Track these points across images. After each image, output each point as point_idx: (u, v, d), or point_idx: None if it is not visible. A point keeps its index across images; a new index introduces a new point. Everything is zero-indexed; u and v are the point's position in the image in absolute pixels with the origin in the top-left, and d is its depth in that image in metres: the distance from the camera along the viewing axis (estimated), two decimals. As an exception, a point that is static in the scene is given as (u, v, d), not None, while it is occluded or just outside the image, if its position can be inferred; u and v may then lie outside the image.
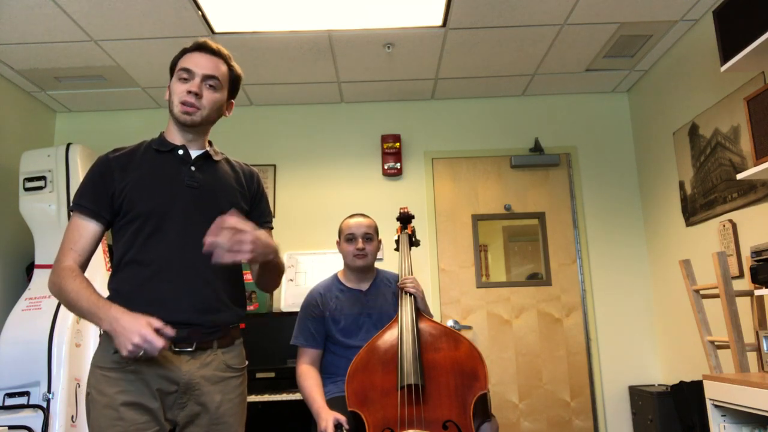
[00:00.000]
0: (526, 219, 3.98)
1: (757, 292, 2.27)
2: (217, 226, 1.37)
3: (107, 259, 3.11)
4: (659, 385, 3.57)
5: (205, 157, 1.66)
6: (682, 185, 3.35)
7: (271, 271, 1.64)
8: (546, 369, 3.75)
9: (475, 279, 3.86)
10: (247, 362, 1.68)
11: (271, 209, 1.85)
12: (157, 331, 1.36)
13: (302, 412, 2.34)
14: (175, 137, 1.65)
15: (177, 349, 1.50)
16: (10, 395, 2.78)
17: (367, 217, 2.50)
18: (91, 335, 3.02)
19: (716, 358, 2.45)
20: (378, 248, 2.48)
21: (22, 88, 3.69)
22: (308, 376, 2.26)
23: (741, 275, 2.78)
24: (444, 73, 3.69)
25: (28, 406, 2.76)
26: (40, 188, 3.20)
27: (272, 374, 3.19)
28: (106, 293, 1.54)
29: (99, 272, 2.95)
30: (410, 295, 2.25)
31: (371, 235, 2.43)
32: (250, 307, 3.59)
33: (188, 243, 1.55)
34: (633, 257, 3.85)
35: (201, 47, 1.63)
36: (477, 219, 3.95)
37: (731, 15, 2.38)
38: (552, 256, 3.89)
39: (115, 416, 1.43)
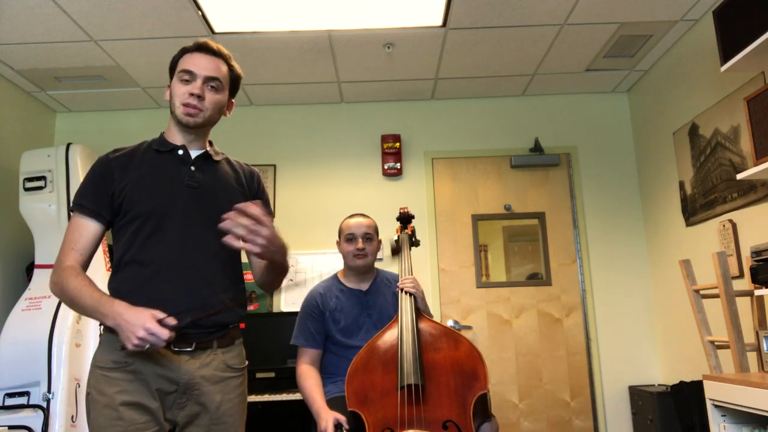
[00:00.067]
0: (526, 219, 3.98)
1: (757, 292, 2.27)
2: (240, 210, 1.36)
3: (107, 259, 3.11)
4: (659, 385, 3.57)
5: (205, 157, 1.66)
6: (682, 185, 3.35)
7: (275, 271, 1.63)
8: (546, 369, 3.75)
9: (475, 279, 3.86)
10: (247, 362, 1.68)
11: (272, 209, 1.84)
12: (161, 322, 1.35)
13: (302, 412, 2.34)
14: (176, 137, 1.65)
15: (176, 349, 1.50)
16: (10, 395, 2.78)
17: (367, 217, 2.51)
18: (91, 335, 3.02)
19: (716, 358, 2.45)
20: (378, 248, 2.48)
21: (22, 88, 3.69)
22: (308, 376, 2.26)
23: (741, 275, 2.78)
24: (444, 73, 3.69)
25: (28, 406, 2.76)
26: (40, 188, 3.20)
27: (272, 374, 3.19)
28: (106, 293, 1.54)
29: (99, 272, 2.95)
30: (410, 295, 2.25)
31: (371, 235, 2.43)
32: (250, 307, 3.59)
33: (188, 243, 1.55)
34: (633, 257, 3.85)
35: (201, 48, 1.62)
36: (477, 219, 3.95)
37: (731, 15, 2.38)
38: (552, 256, 3.89)
39: (114, 416, 1.43)
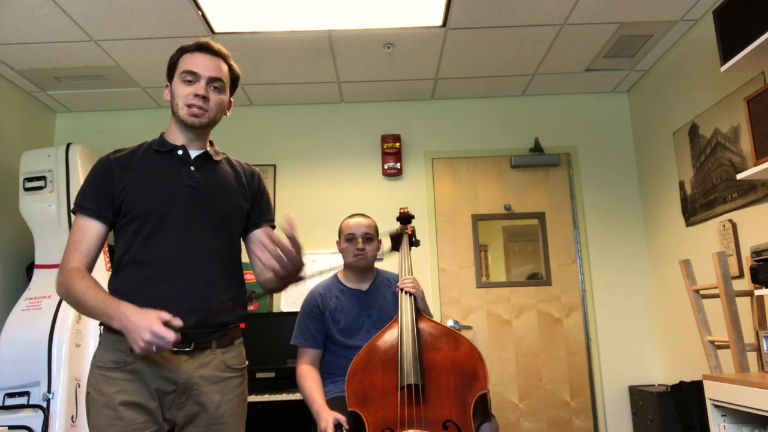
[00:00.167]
0: (526, 219, 3.98)
1: (757, 292, 2.27)
2: (290, 226, 1.40)
3: (107, 259, 3.11)
4: (659, 385, 3.57)
5: (205, 157, 1.66)
6: (682, 185, 3.35)
7: (284, 285, 1.63)
8: (546, 369, 3.75)
9: (475, 279, 3.86)
10: (247, 362, 1.68)
11: (273, 209, 1.84)
12: (167, 324, 1.35)
13: (302, 412, 2.34)
14: (176, 137, 1.65)
15: (175, 349, 1.49)
16: (10, 395, 2.78)
17: (367, 217, 2.51)
18: (91, 335, 3.02)
19: (716, 358, 2.45)
20: (378, 248, 2.48)
21: (22, 88, 3.69)
22: (308, 376, 2.26)
23: (741, 275, 2.78)
24: (444, 73, 3.69)
25: (28, 406, 2.76)
26: (40, 188, 3.20)
27: (272, 374, 3.19)
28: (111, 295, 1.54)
29: (99, 272, 2.92)
30: (410, 295, 2.25)
31: (371, 235, 2.43)
32: (250, 307, 3.59)
33: (188, 243, 1.55)
34: (633, 257, 3.85)
35: (202, 47, 1.62)
36: (477, 219, 3.95)
37: (731, 15, 2.38)
38: (552, 256, 3.89)
39: (113, 416, 1.43)
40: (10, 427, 2.68)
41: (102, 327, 1.53)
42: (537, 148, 3.96)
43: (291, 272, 1.47)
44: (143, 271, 1.53)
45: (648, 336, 3.75)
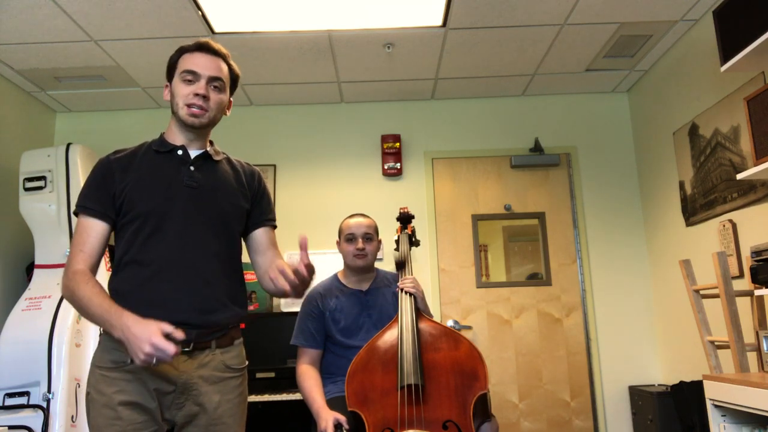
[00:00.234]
0: (526, 219, 3.98)
1: (757, 292, 2.27)
2: (303, 246, 1.43)
3: (107, 259, 3.11)
4: (659, 385, 3.57)
5: (205, 157, 1.66)
6: (682, 185, 3.35)
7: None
8: (546, 369, 3.75)
9: (475, 279, 3.86)
10: (247, 362, 1.68)
11: (274, 208, 1.84)
12: (168, 336, 1.35)
13: (302, 412, 2.34)
14: (176, 137, 1.65)
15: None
16: (10, 395, 2.78)
17: (367, 217, 2.51)
18: (91, 335, 3.02)
19: (716, 358, 2.45)
20: (378, 248, 2.48)
21: (22, 88, 3.69)
22: (308, 376, 2.26)
23: (741, 275, 2.78)
24: (444, 73, 3.69)
25: (28, 406, 2.76)
26: (40, 188, 3.20)
27: (272, 374, 3.19)
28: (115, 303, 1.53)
29: (99, 272, 2.93)
30: (410, 295, 2.25)
31: (371, 235, 2.43)
32: (250, 307, 3.59)
33: (188, 243, 1.55)
34: (633, 257, 3.85)
35: (202, 47, 1.62)
36: (477, 219, 3.95)
37: (731, 15, 2.38)
38: (552, 256, 3.89)
39: (113, 416, 1.43)
40: (10, 427, 2.68)
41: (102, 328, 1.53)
42: (537, 148, 3.96)
43: (301, 293, 1.50)
44: (143, 271, 1.53)
45: (648, 336, 3.75)
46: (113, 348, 1.48)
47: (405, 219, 2.70)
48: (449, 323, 3.77)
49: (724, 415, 2.11)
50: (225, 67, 1.65)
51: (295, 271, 1.41)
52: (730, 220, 2.87)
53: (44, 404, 2.75)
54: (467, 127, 4.06)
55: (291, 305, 3.60)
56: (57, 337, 2.84)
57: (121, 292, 1.52)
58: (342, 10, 2.94)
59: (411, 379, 1.98)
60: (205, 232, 1.58)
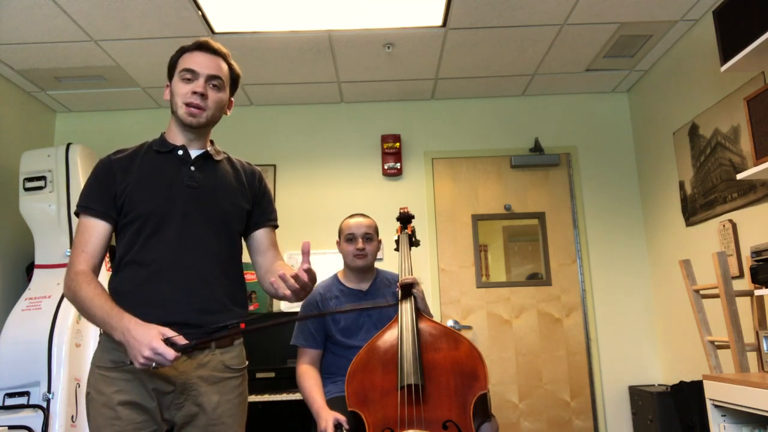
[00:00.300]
0: (526, 219, 3.98)
1: (757, 292, 2.27)
2: (306, 250, 1.42)
3: (107, 259, 3.11)
4: (659, 385, 3.57)
5: (205, 156, 1.66)
6: (682, 185, 3.35)
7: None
8: (546, 369, 3.75)
9: (475, 279, 3.86)
10: (247, 362, 1.68)
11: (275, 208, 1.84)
12: (168, 341, 1.35)
13: (302, 412, 2.34)
14: (176, 137, 1.64)
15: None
16: (10, 395, 2.78)
17: (367, 217, 2.51)
18: (91, 335, 3.02)
19: (716, 358, 2.45)
20: (378, 248, 2.48)
21: (22, 88, 3.69)
22: (308, 376, 2.26)
23: (741, 275, 2.78)
24: (444, 73, 3.69)
25: (28, 406, 2.76)
26: (40, 188, 3.20)
27: (272, 374, 3.19)
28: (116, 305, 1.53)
29: (100, 272, 2.95)
30: (410, 295, 2.24)
31: (371, 235, 2.43)
32: (250, 307, 3.59)
33: (188, 243, 1.55)
34: (633, 257, 3.85)
35: (202, 46, 1.62)
36: (477, 219, 3.95)
37: (731, 15, 2.38)
38: (552, 256, 3.89)
39: (112, 415, 1.43)
40: (10, 427, 2.68)
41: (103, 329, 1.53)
42: (537, 148, 3.96)
43: (302, 298, 1.50)
44: (143, 271, 1.52)
45: (648, 336, 3.75)
46: (113, 348, 1.48)
47: (405, 219, 2.70)
48: (449, 323, 3.77)
49: (724, 415, 2.11)
50: (225, 66, 1.65)
51: (295, 277, 1.41)
52: (730, 220, 2.87)
53: (44, 404, 2.75)
54: (467, 127, 4.06)
55: (291, 305, 3.60)
56: (57, 337, 2.84)
57: (120, 292, 1.52)
58: (342, 10, 2.94)
59: (411, 379, 1.98)
60: (205, 232, 1.58)
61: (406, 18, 3.04)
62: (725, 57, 2.41)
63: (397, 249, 2.61)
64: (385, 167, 3.96)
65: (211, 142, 1.71)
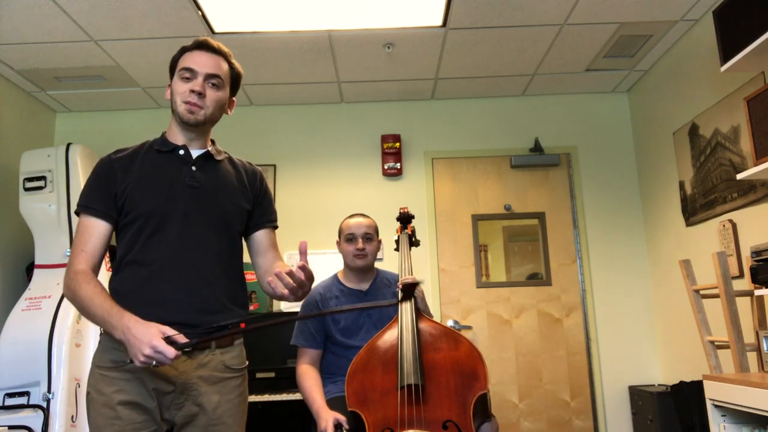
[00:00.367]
0: (526, 219, 3.98)
1: (757, 292, 2.27)
2: (302, 252, 1.41)
3: (107, 259, 3.11)
4: (659, 385, 3.57)
5: (206, 156, 1.66)
6: (682, 185, 3.35)
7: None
8: (546, 369, 3.75)
9: (475, 279, 3.86)
10: (247, 362, 1.68)
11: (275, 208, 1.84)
12: (169, 339, 1.35)
13: (302, 412, 2.34)
14: (177, 137, 1.64)
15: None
16: (10, 395, 2.78)
17: (367, 217, 2.50)
18: (91, 335, 3.02)
19: (716, 358, 2.45)
20: (378, 248, 2.48)
21: (22, 88, 3.69)
22: (308, 376, 2.26)
23: (741, 275, 2.78)
24: (444, 73, 3.69)
25: (28, 406, 2.76)
26: (40, 188, 3.20)
27: (272, 374, 3.19)
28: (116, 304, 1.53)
29: (100, 272, 2.95)
30: (412, 295, 2.24)
31: (371, 235, 2.43)
32: (251, 307, 3.59)
33: (189, 243, 1.55)
34: (633, 257, 3.85)
35: (202, 45, 1.62)
36: (477, 219, 3.95)
37: (731, 15, 2.38)
38: (552, 256, 3.89)
39: (112, 415, 1.43)
40: (10, 427, 2.68)
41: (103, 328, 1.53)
42: (537, 148, 3.96)
43: (300, 297, 1.50)
44: (143, 271, 1.52)
45: (648, 336, 3.75)
46: (113, 348, 1.48)
47: (405, 219, 2.69)
48: (449, 323, 3.77)
49: (724, 415, 2.11)
50: (224, 65, 1.64)
51: (291, 274, 1.40)
52: (730, 220, 2.87)
53: (44, 404, 2.75)
54: (467, 127, 4.06)
55: (291, 305, 3.60)
56: (57, 337, 2.84)
57: (121, 292, 1.52)
58: (342, 10, 2.94)
59: (411, 379, 1.98)
60: (206, 232, 1.58)
61: (406, 18, 3.04)
62: (725, 57, 2.41)
63: (397, 249, 2.61)
64: (385, 167, 3.96)
65: (212, 141, 1.71)
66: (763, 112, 2.24)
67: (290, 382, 3.00)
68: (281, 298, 1.49)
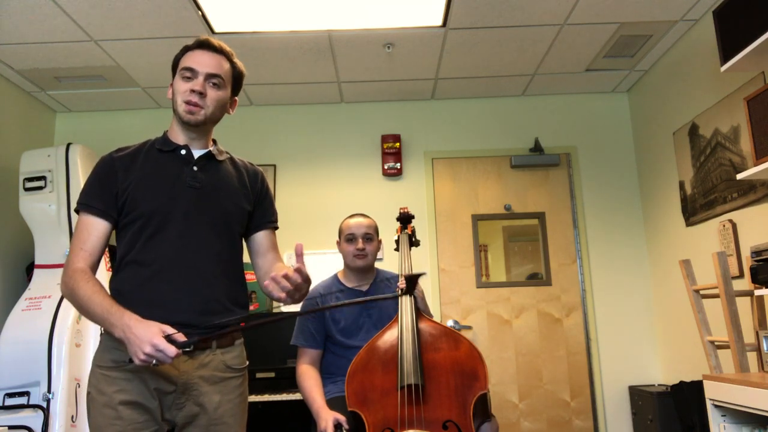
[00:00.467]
0: (526, 219, 3.98)
1: (757, 292, 2.27)
2: (300, 252, 1.40)
3: (107, 259, 3.11)
4: (659, 385, 3.57)
5: (208, 156, 1.65)
6: (682, 185, 3.35)
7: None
8: (546, 369, 3.75)
9: (475, 279, 3.86)
10: (247, 362, 1.68)
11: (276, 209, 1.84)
12: (169, 338, 1.34)
13: (302, 412, 2.34)
14: (178, 136, 1.64)
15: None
16: (10, 395, 2.78)
17: (367, 217, 2.50)
18: (91, 335, 3.02)
19: (716, 358, 2.45)
20: (378, 248, 2.48)
21: (22, 88, 3.69)
22: (308, 376, 2.26)
23: (741, 275, 2.78)
24: (444, 73, 3.69)
25: (28, 406, 2.76)
26: (40, 188, 3.20)
27: (272, 374, 3.19)
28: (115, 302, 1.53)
29: (100, 272, 2.91)
30: (410, 294, 2.24)
31: (371, 235, 2.43)
32: (251, 307, 3.59)
33: (190, 243, 1.55)
34: (633, 257, 3.85)
35: (203, 45, 1.62)
36: (477, 219, 3.95)
37: (731, 15, 2.38)
38: (552, 256, 3.89)
39: (113, 415, 1.43)
40: (10, 427, 2.68)
41: (103, 327, 1.53)
42: (537, 148, 3.96)
43: (297, 299, 1.50)
44: (144, 271, 1.52)
45: (648, 336, 3.75)
46: (114, 347, 1.48)
47: (405, 219, 2.69)
48: (449, 323, 3.77)
49: (724, 415, 2.11)
50: (226, 65, 1.64)
51: (287, 277, 1.39)
52: (730, 220, 2.87)
53: (44, 404, 2.75)
54: (467, 127, 4.06)
55: (291, 305, 3.60)
56: (57, 337, 2.84)
57: (121, 292, 1.52)
58: (342, 10, 2.94)
59: (411, 379, 1.98)
60: (207, 232, 1.58)
61: (406, 18, 3.04)
62: (725, 57, 2.41)
63: (397, 249, 2.61)
64: (385, 167, 3.96)
65: (214, 141, 1.71)
66: (763, 112, 2.24)
67: (290, 382, 3.00)
68: (278, 300, 1.48)
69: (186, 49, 1.63)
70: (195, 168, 1.61)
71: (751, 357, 2.40)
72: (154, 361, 1.33)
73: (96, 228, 1.54)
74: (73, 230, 2.89)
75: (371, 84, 3.83)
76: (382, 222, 2.78)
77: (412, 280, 2.18)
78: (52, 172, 3.21)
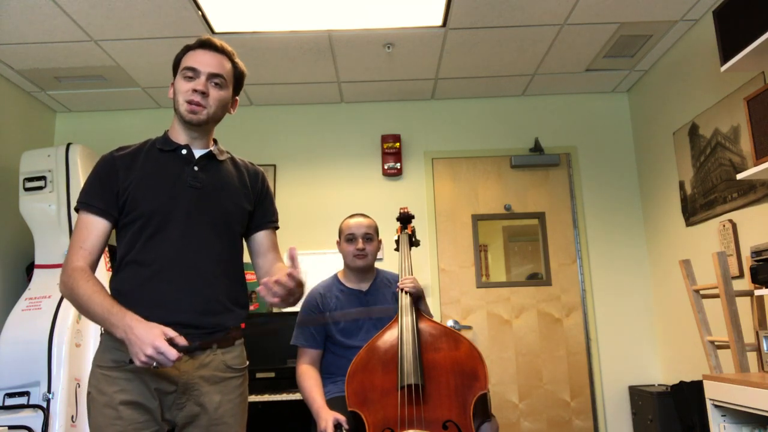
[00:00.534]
0: (526, 219, 3.98)
1: (757, 292, 2.27)
2: (293, 255, 1.39)
3: (107, 259, 3.11)
4: (659, 385, 3.57)
5: (209, 156, 1.65)
6: (682, 185, 3.35)
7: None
8: (546, 369, 3.75)
9: (475, 279, 3.86)
10: (247, 362, 1.68)
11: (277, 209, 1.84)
12: (171, 341, 1.34)
13: (302, 412, 2.34)
14: (179, 136, 1.64)
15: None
16: (10, 395, 2.78)
17: (367, 217, 2.51)
18: (91, 335, 3.02)
19: (716, 358, 2.45)
20: (378, 248, 2.48)
21: (22, 88, 3.69)
22: (308, 376, 2.26)
23: (741, 275, 2.78)
24: (444, 73, 3.69)
25: (28, 406, 2.76)
26: (40, 188, 3.20)
27: (272, 374, 3.19)
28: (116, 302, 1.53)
29: (99, 272, 2.90)
30: (410, 295, 2.24)
31: (371, 235, 2.43)
32: (251, 307, 3.59)
33: (190, 243, 1.55)
34: (633, 257, 3.85)
35: (205, 44, 1.62)
36: (477, 219, 3.95)
37: (731, 15, 2.38)
38: (552, 256, 3.89)
39: (114, 415, 1.43)
40: (10, 427, 2.68)
41: (103, 327, 1.53)
42: (537, 148, 3.96)
43: (292, 303, 1.50)
44: (144, 271, 1.52)
45: (648, 336, 3.75)
46: (114, 347, 1.48)
47: (405, 219, 2.70)
48: (449, 323, 3.77)
49: (724, 415, 2.11)
50: (228, 64, 1.64)
51: (278, 282, 1.38)
52: (730, 220, 2.87)
53: (44, 404, 2.75)
54: (467, 127, 4.06)
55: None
56: (57, 337, 2.84)
57: (121, 292, 1.52)
58: (342, 10, 2.94)
59: (411, 379, 1.98)
60: (208, 232, 1.58)
61: (406, 18, 3.04)
62: (725, 57, 2.41)
63: (397, 249, 2.61)
64: (385, 167, 3.96)
65: (215, 141, 1.71)
66: (763, 112, 2.24)
67: (290, 382, 3.00)
68: (271, 305, 1.48)
69: (187, 49, 1.63)
70: (196, 168, 1.61)
71: (751, 357, 2.40)
72: (154, 364, 1.33)
73: (96, 227, 1.54)
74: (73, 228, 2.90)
75: (371, 84, 3.83)
76: (382, 222, 2.78)
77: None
78: (52, 172, 3.21)
